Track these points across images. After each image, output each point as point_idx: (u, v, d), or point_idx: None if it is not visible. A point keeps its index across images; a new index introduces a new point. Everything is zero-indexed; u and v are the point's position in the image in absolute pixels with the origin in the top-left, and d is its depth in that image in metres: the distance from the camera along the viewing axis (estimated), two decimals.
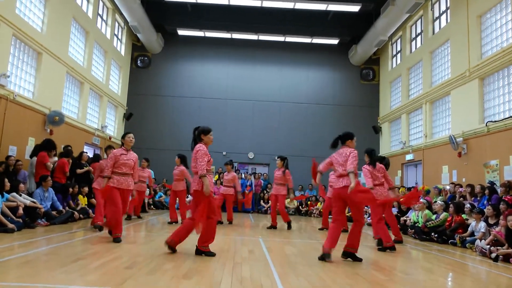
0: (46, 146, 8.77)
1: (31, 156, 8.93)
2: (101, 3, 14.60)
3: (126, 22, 16.34)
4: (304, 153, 16.67)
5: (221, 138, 17.07)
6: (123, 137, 6.43)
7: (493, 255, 5.95)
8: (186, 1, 15.56)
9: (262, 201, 15.83)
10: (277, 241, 7.12)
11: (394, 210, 10.98)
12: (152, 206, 13.83)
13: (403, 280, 4.34)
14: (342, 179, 5.23)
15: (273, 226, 9.28)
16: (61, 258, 4.39)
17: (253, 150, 17.61)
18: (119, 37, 16.73)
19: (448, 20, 12.84)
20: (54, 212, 8.04)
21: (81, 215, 8.78)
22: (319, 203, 14.94)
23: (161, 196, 14.91)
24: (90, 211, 9.23)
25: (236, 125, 17.62)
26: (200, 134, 5.32)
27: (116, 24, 16.21)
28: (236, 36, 17.73)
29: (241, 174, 16.39)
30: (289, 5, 15.21)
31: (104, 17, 15.12)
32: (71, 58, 12.23)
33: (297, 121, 17.69)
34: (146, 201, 12.94)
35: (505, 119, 9.69)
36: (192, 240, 5.18)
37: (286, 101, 17.90)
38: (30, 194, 8.02)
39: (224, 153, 17.22)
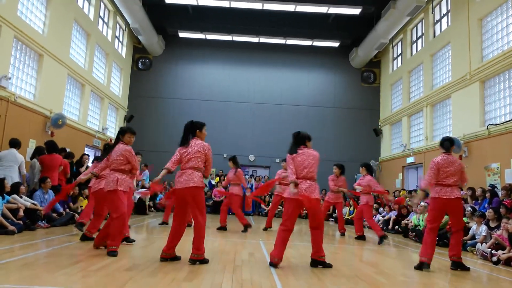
0: (56, 149, 8.77)
1: (31, 158, 8.92)
2: (102, 5, 14.63)
3: (127, 24, 16.37)
4: None
5: (221, 140, 17.06)
6: (200, 128, 5.32)
7: (494, 258, 5.93)
8: (187, 3, 15.59)
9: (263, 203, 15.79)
10: None
11: (394, 213, 10.97)
12: (152, 209, 13.80)
13: (404, 283, 4.33)
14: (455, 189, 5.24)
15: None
16: (62, 260, 4.39)
17: (253, 153, 17.61)
18: (120, 39, 16.76)
19: (449, 23, 12.85)
20: (54, 214, 8.04)
21: None
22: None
23: (161, 198, 14.86)
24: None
25: (236, 128, 17.62)
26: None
27: (117, 26, 16.24)
28: (237, 38, 17.76)
29: None
30: (290, 8, 15.22)
31: (106, 19, 15.15)
32: (72, 60, 12.26)
33: (298, 123, 17.58)
34: (147, 203, 12.93)
35: (506, 122, 9.69)
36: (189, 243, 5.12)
37: (286, 103, 17.91)
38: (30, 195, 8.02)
39: (224, 155, 17.20)
